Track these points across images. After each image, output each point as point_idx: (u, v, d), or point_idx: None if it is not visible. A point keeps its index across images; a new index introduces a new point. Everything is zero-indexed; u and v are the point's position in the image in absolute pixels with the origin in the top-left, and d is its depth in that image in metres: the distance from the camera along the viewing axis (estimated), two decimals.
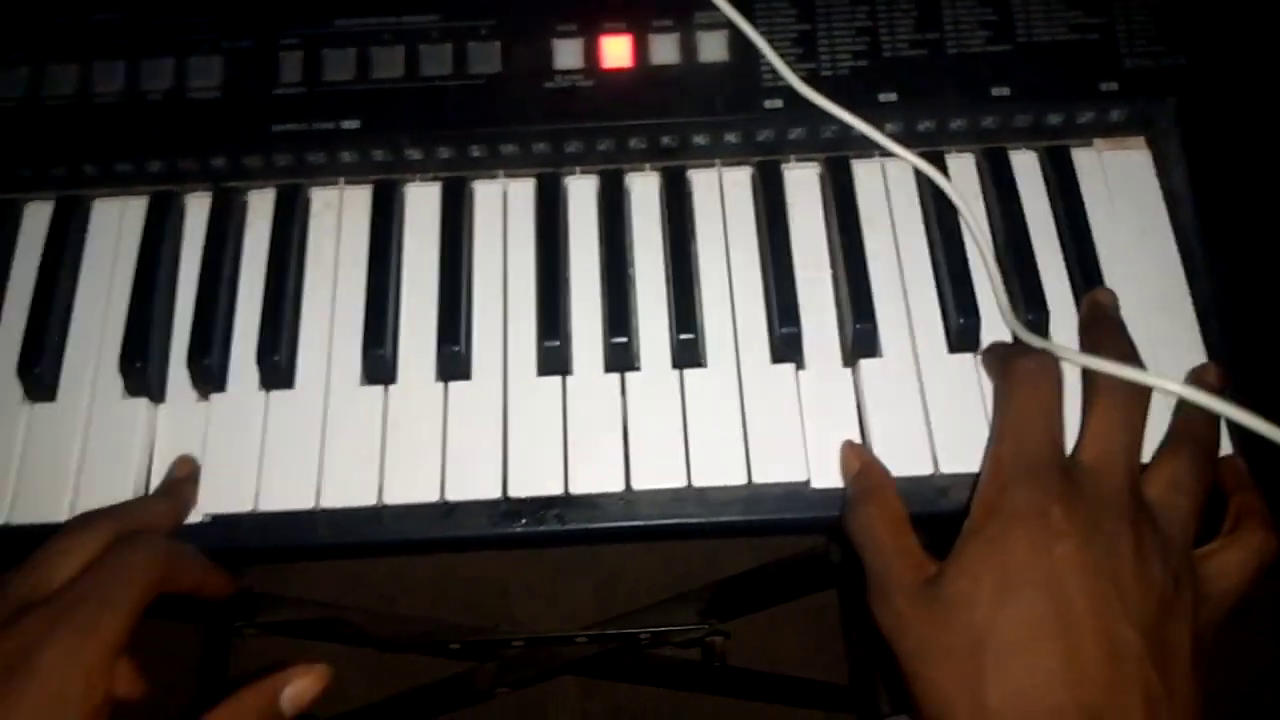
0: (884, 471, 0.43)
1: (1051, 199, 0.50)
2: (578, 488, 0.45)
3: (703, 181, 0.50)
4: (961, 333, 0.46)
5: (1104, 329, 0.44)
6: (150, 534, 0.40)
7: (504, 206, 0.50)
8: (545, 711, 1.18)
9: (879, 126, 0.49)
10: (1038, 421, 0.39)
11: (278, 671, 0.40)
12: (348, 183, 0.51)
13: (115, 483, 0.45)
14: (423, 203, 0.50)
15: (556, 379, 0.47)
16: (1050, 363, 0.41)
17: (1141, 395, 0.40)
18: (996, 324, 0.47)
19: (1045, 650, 0.35)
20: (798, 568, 0.93)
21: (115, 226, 0.50)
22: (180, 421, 0.46)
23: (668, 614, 0.92)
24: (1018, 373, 0.41)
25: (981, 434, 0.43)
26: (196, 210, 0.50)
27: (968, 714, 0.36)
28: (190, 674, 1.13)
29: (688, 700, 1.17)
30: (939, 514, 0.45)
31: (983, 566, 0.37)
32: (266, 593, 0.89)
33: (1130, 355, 0.42)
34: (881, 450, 0.44)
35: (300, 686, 0.40)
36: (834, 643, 1.18)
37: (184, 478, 0.45)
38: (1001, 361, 0.42)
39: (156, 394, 0.47)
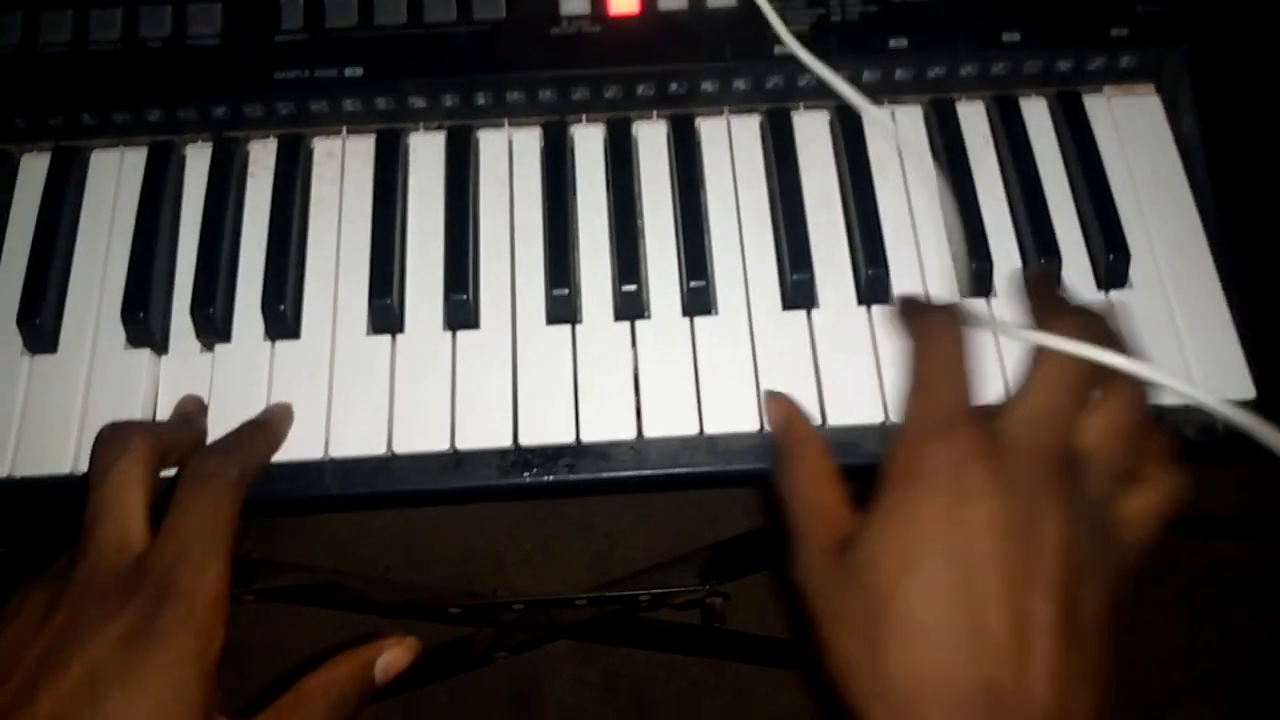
0: (808, 426, 0.42)
1: (1063, 145, 0.49)
2: (589, 436, 0.44)
3: (711, 129, 0.50)
4: (978, 277, 0.46)
5: (1048, 296, 0.42)
6: (214, 469, 0.39)
7: (509, 155, 0.50)
8: (541, 678, 1.19)
9: (890, 73, 0.48)
10: (949, 378, 0.37)
11: (372, 641, 0.41)
12: (350, 132, 0.50)
13: None
14: (427, 152, 0.50)
15: (566, 328, 0.46)
16: (958, 316, 0.39)
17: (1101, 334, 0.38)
18: (1011, 268, 0.47)
19: (948, 622, 0.34)
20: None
21: (114, 177, 0.49)
22: (184, 372, 0.46)
23: (666, 576, 0.92)
24: (927, 328, 0.39)
25: None
26: (197, 160, 0.50)
27: (868, 682, 0.35)
28: None
29: (684, 665, 1.18)
30: None
31: (891, 531, 0.35)
32: (264, 559, 0.89)
33: (1080, 326, 0.38)
34: (895, 393, 0.44)
35: (393, 656, 0.41)
36: None
37: (196, 410, 0.44)
38: (909, 317, 0.41)
39: (159, 345, 0.46)
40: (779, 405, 0.43)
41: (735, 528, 1.20)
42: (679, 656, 1.16)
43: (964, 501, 0.34)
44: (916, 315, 0.40)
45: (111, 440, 0.40)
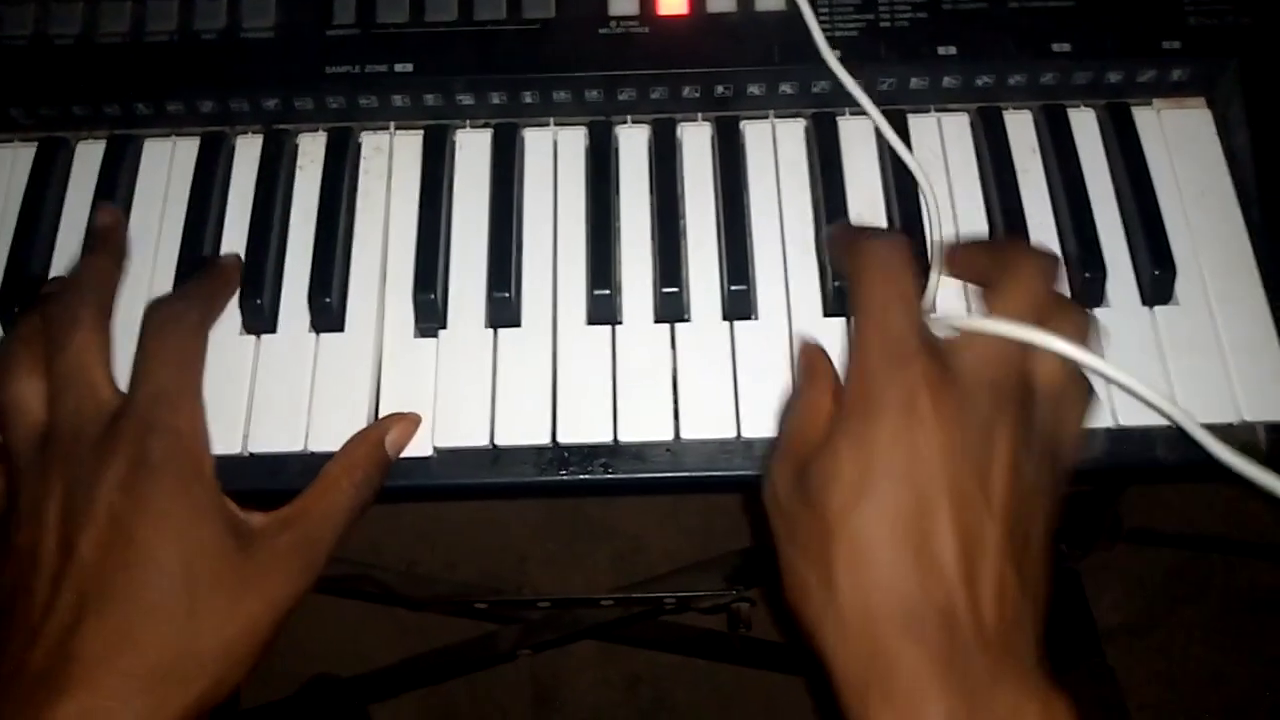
0: (826, 365, 0.42)
1: (1110, 157, 0.49)
2: (626, 436, 0.45)
3: (755, 133, 0.50)
4: None
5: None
6: (176, 314, 0.42)
7: (554, 154, 0.50)
8: (563, 679, 1.19)
9: (937, 80, 0.48)
10: (897, 306, 0.37)
11: (376, 422, 0.44)
12: (398, 127, 0.50)
13: None
14: (473, 149, 0.50)
15: (606, 328, 0.46)
16: (901, 243, 0.39)
17: (1050, 271, 0.39)
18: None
19: (898, 544, 0.35)
20: None
21: (166, 166, 0.50)
22: (229, 360, 0.46)
23: (693, 579, 0.92)
24: (868, 255, 0.39)
25: None
26: (246, 152, 0.50)
27: (820, 603, 0.36)
28: None
29: (707, 670, 1.17)
30: None
31: (845, 456, 0.36)
32: None
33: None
34: None
35: (399, 430, 0.44)
36: None
37: (114, 223, 0.47)
38: (847, 245, 0.40)
39: None
40: (808, 348, 0.44)
41: (759, 535, 1.20)
42: (702, 661, 1.16)
43: (916, 428, 0.35)
44: (859, 240, 0.40)
45: (57, 313, 0.41)
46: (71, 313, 0.41)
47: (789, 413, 0.41)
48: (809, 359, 0.43)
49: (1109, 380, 0.40)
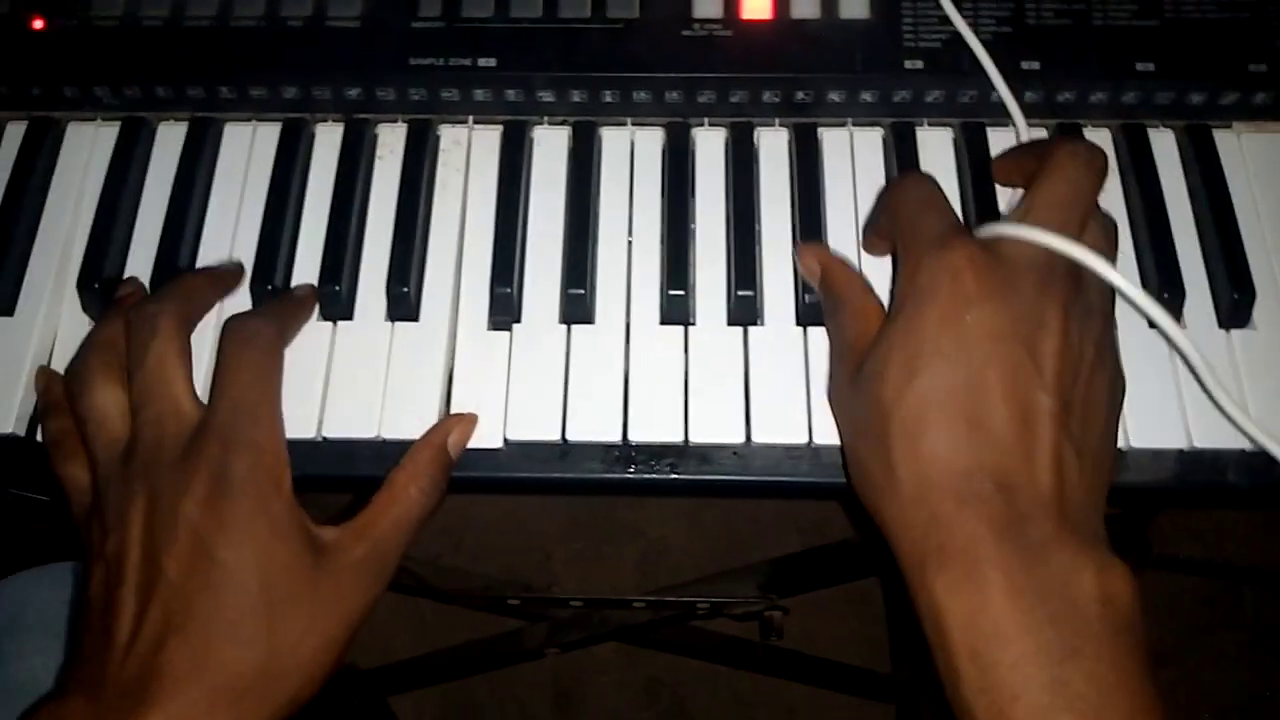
0: (847, 271, 0.44)
1: (1189, 179, 0.49)
2: (697, 437, 0.45)
3: (833, 140, 0.50)
4: None
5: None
6: (255, 330, 0.42)
7: (631, 154, 0.50)
8: (585, 680, 1.19)
9: (1018, 95, 0.48)
10: (933, 209, 0.40)
11: (436, 426, 0.44)
12: (476, 121, 0.51)
13: None
14: (551, 146, 0.50)
15: (679, 329, 0.46)
16: (927, 176, 0.43)
17: (1097, 164, 0.40)
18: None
19: (950, 416, 0.35)
20: (861, 550, 0.93)
21: (246, 150, 0.50)
22: (306, 345, 0.46)
23: (727, 586, 0.92)
24: (898, 191, 0.43)
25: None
26: (326, 139, 0.51)
27: (880, 485, 0.37)
28: None
29: (729, 678, 1.17)
30: None
31: (896, 342, 0.37)
32: None
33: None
34: None
35: (459, 431, 0.44)
36: (876, 631, 1.18)
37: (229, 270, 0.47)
38: (883, 209, 0.44)
39: None
40: (813, 254, 0.45)
41: (786, 544, 1.20)
42: (724, 669, 1.16)
43: (963, 306, 0.36)
44: (886, 194, 0.44)
45: (140, 324, 0.41)
46: (154, 322, 0.41)
47: (838, 323, 0.42)
48: (827, 270, 0.44)
49: (1128, 299, 0.39)
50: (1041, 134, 0.50)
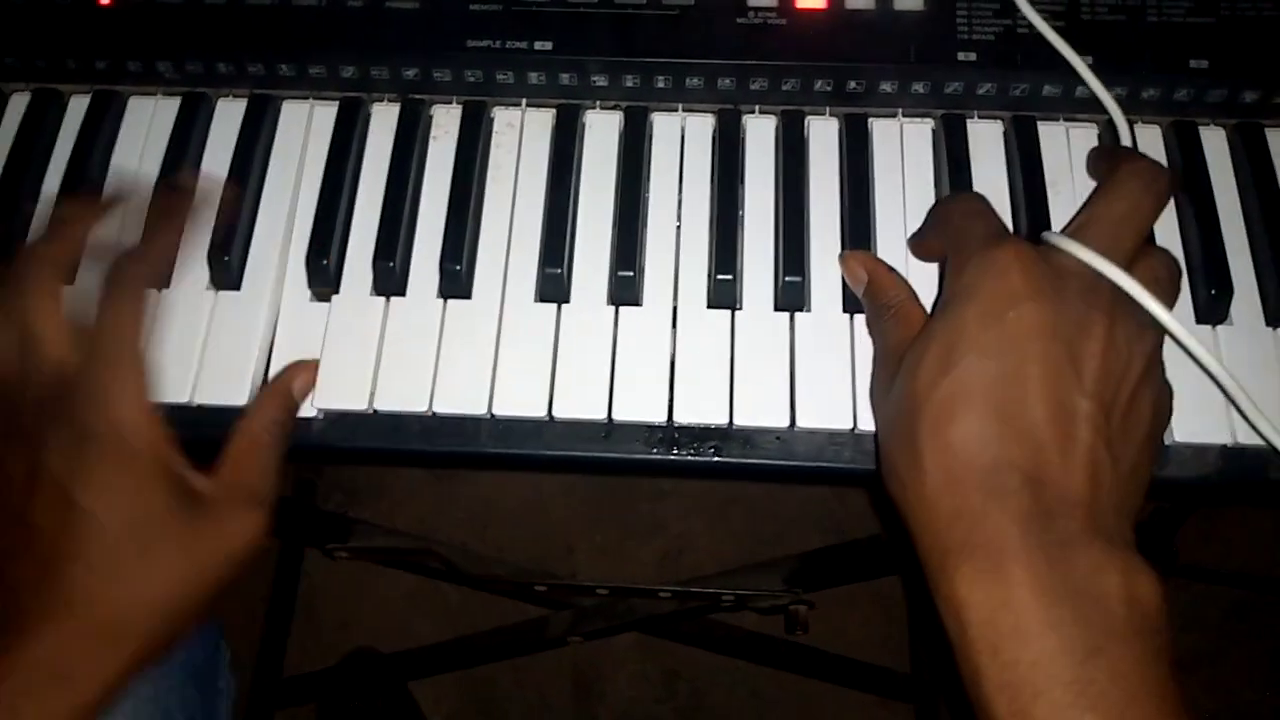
0: (890, 276, 0.44)
1: (1239, 177, 0.49)
2: (741, 420, 0.45)
3: (883, 130, 0.50)
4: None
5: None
6: (124, 275, 0.42)
7: (682, 139, 0.51)
8: (603, 671, 1.19)
9: (1071, 88, 0.48)
10: (980, 213, 0.41)
11: (279, 375, 0.46)
12: (529, 104, 0.51)
13: None
14: (603, 130, 0.51)
15: (726, 313, 0.47)
16: (977, 195, 0.44)
17: (1158, 188, 0.40)
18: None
19: (983, 409, 0.35)
20: (887, 546, 0.93)
21: (303, 128, 0.51)
22: (362, 320, 0.47)
23: (752, 579, 0.92)
24: (944, 206, 0.45)
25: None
26: (382, 119, 0.51)
27: (907, 480, 0.36)
28: (264, 585, 1.17)
29: (746, 673, 1.18)
30: None
31: (936, 338, 0.37)
32: (362, 519, 0.91)
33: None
34: None
35: (302, 381, 0.45)
36: (897, 631, 1.18)
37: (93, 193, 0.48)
38: (933, 223, 0.46)
39: (335, 289, 0.48)
40: (859, 262, 0.46)
41: (807, 543, 1.20)
42: (742, 664, 1.16)
43: (1007, 304, 0.36)
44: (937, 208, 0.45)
45: (15, 271, 0.42)
46: (24, 268, 0.42)
47: (881, 328, 0.43)
48: (875, 278, 0.44)
49: (1174, 338, 0.40)
50: (1155, 132, 0.50)
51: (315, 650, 1.17)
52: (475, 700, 1.18)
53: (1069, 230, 0.40)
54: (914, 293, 0.43)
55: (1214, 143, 0.50)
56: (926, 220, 0.47)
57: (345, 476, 1.27)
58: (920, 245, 0.47)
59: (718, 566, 1.17)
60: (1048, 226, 0.47)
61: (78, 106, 0.52)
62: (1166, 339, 0.40)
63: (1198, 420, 0.44)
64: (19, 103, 0.52)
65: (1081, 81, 0.48)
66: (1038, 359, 0.35)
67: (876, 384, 0.43)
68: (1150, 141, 0.50)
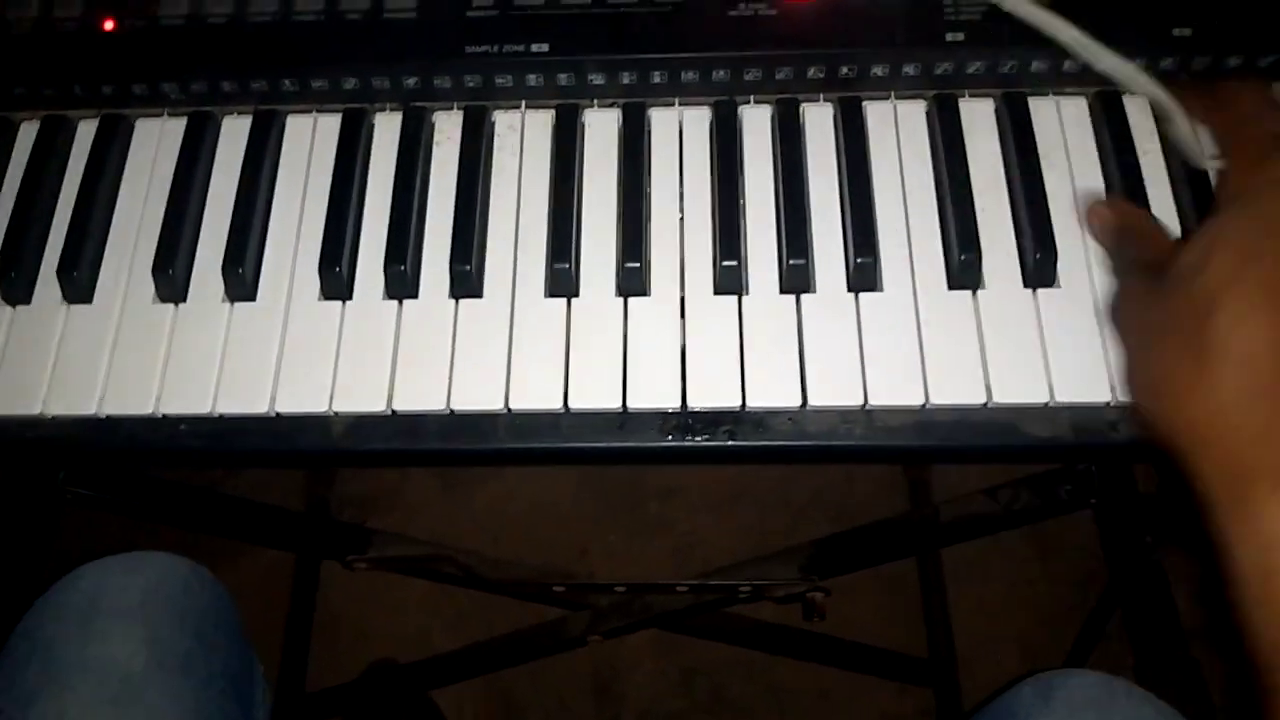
0: (1126, 208, 0.45)
1: None
2: (754, 402, 0.46)
3: (878, 112, 0.51)
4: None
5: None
6: None
7: (680, 132, 0.52)
8: (621, 669, 1.20)
9: (1058, 62, 0.49)
10: (1259, 120, 0.41)
11: None
12: (529, 106, 0.52)
13: (314, 377, 0.47)
14: (602, 127, 0.52)
15: (732, 298, 0.48)
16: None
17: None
18: None
19: None
20: (900, 528, 0.94)
21: (307, 140, 0.52)
22: (370, 324, 0.48)
23: (767, 569, 0.93)
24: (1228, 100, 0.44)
25: None
26: (386, 128, 0.52)
27: (1191, 388, 0.33)
28: (283, 598, 1.17)
29: (764, 666, 1.18)
30: (1110, 446, 0.45)
31: (1222, 233, 0.35)
32: (378, 529, 0.92)
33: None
34: (1059, 375, 0.45)
35: None
36: (911, 616, 1.19)
37: None
38: (1219, 98, 0.46)
39: (349, 296, 0.49)
40: (1095, 212, 0.47)
41: (818, 532, 1.21)
42: (759, 657, 1.17)
43: None
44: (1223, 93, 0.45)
45: None
46: None
47: (1128, 246, 0.43)
48: (1129, 205, 0.46)
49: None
50: (1142, 103, 0.51)
51: (333, 662, 1.18)
52: (496, 704, 1.19)
53: None
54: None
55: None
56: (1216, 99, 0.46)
57: (356, 490, 1.28)
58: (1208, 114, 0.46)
59: (730, 560, 1.18)
60: (1043, 197, 0.48)
61: (86, 131, 0.53)
62: None
63: None
64: (29, 130, 0.53)
65: (1070, 55, 0.49)
66: None
67: (1123, 295, 0.41)
68: (1140, 110, 0.51)
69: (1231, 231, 0.35)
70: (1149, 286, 0.38)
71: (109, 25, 0.51)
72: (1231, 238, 0.35)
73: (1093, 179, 0.49)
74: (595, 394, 0.46)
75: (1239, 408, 0.32)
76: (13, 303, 0.50)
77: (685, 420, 0.47)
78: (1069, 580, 1.19)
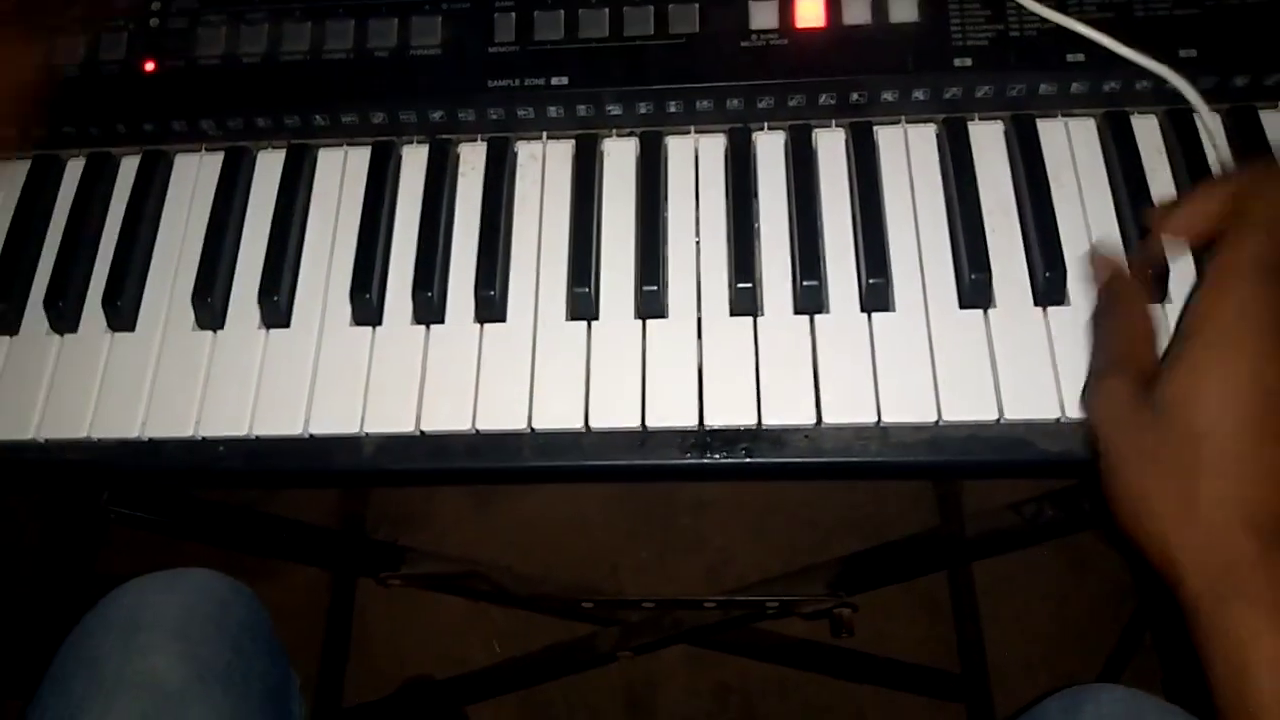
0: (1134, 284, 0.44)
1: (1237, 159, 0.50)
2: (770, 420, 0.47)
3: (889, 137, 0.53)
4: (1161, 280, 0.47)
5: None
6: None
7: (695, 160, 0.53)
8: (655, 686, 1.21)
9: (1066, 85, 0.50)
10: (1258, 231, 0.39)
11: None
12: (550, 137, 0.54)
13: (346, 400, 0.49)
14: (620, 156, 0.54)
15: (748, 319, 0.49)
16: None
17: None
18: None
19: (1271, 453, 0.34)
20: (926, 544, 0.94)
21: (339, 173, 0.54)
22: (399, 348, 0.50)
23: (796, 585, 0.93)
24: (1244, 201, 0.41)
25: None
26: (413, 160, 0.54)
27: (1172, 515, 0.35)
28: (319, 615, 1.20)
29: (796, 683, 1.18)
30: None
31: (1205, 369, 0.36)
32: (411, 547, 0.94)
33: None
34: (1069, 391, 0.46)
35: None
36: (945, 631, 1.19)
37: None
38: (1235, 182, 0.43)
39: (378, 322, 0.51)
40: (1104, 263, 0.46)
41: (848, 548, 1.21)
42: (792, 674, 1.17)
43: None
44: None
45: None
46: None
47: (1107, 328, 0.43)
48: (1117, 274, 0.44)
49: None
50: (1151, 122, 0.52)
51: (369, 679, 1.20)
52: (530, 719, 1.20)
53: None
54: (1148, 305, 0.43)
55: (1211, 127, 0.51)
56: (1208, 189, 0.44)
57: (390, 508, 1.30)
58: (1177, 221, 0.44)
59: (761, 577, 1.19)
60: (1052, 217, 0.49)
61: (129, 167, 0.56)
62: None
63: None
64: (75, 167, 0.56)
65: (1076, 77, 0.50)
66: None
67: (1107, 384, 0.40)
68: (1148, 130, 0.52)
69: (1215, 372, 0.36)
70: (1135, 401, 0.38)
71: (150, 67, 0.54)
72: (1211, 380, 0.36)
73: (1101, 198, 0.50)
74: (615, 414, 0.48)
75: (1216, 541, 0.35)
76: (61, 331, 0.52)
77: (704, 438, 0.48)
78: (1103, 594, 1.18)
